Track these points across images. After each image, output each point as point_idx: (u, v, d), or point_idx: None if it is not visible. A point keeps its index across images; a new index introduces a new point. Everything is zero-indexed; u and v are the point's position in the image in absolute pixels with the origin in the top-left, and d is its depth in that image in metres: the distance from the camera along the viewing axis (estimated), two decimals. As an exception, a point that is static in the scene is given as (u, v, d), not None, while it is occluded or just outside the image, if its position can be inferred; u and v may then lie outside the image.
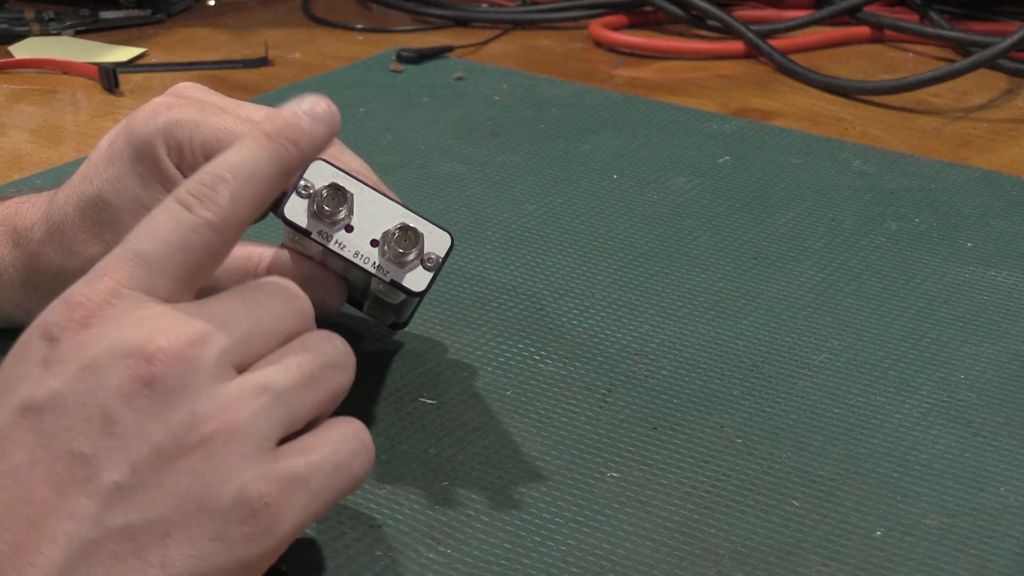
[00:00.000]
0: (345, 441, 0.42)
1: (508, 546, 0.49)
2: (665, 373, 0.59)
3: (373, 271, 0.51)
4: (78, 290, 0.40)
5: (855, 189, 0.78)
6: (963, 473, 0.53)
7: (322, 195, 0.51)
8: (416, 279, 0.51)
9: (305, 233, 0.51)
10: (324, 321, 0.63)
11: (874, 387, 0.59)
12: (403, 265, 0.51)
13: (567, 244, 0.71)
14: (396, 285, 0.51)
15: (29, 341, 0.40)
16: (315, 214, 0.51)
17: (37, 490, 0.38)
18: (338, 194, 0.51)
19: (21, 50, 0.99)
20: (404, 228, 0.51)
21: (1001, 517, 0.51)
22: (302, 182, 0.51)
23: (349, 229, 0.52)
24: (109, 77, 0.92)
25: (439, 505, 0.51)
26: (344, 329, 0.62)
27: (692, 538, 0.49)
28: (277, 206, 0.61)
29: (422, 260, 0.51)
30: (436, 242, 0.52)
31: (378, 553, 0.48)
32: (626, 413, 0.56)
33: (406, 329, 0.62)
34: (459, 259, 0.68)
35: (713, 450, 0.54)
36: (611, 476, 0.53)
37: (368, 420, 0.55)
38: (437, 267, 0.51)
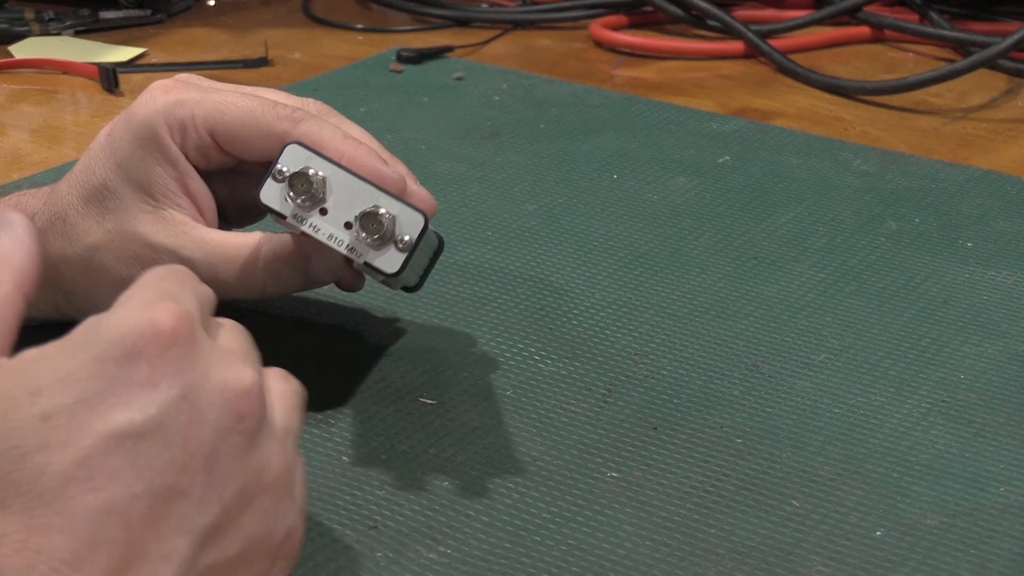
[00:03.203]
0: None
1: (508, 546, 0.49)
2: (665, 373, 0.59)
3: (347, 253, 0.52)
4: (158, 313, 0.37)
5: (855, 189, 0.78)
6: (963, 473, 0.53)
7: (295, 179, 0.52)
8: (389, 260, 0.52)
9: (280, 216, 0.52)
10: (338, 310, 0.64)
11: (874, 387, 0.59)
12: (376, 247, 0.52)
13: (567, 244, 0.71)
14: (369, 267, 0.52)
15: (107, 354, 0.37)
16: (289, 197, 0.52)
17: (134, 528, 0.36)
18: (311, 177, 0.52)
19: (21, 50, 0.99)
20: (376, 210, 0.51)
21: (1001, 517, 0.51)
22: (277, 166, 0.52)
23: (324, 212, 0.52)
24: (109, 77, 0.92)
25: (439, 505, 0.51)
26: (345, 328, 0.62)
27: (692, 538, 0.49)
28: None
29: (395, 242, 0.52)
30: (409, 222, 0.52)
31: (378, 554, 0.48)
32: (626, 413, 0.56)
33: (406, 329, 0.62)
34: (459, 259, 0.68)
35: (713, 450, 0.54)
36: (611, 476, 0.53)
37: (368, 420, 0.55)
38: (410, 248, 0.52)
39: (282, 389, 0.42)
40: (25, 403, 0.36)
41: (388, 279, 0.55)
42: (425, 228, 0.52)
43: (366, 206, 0.51)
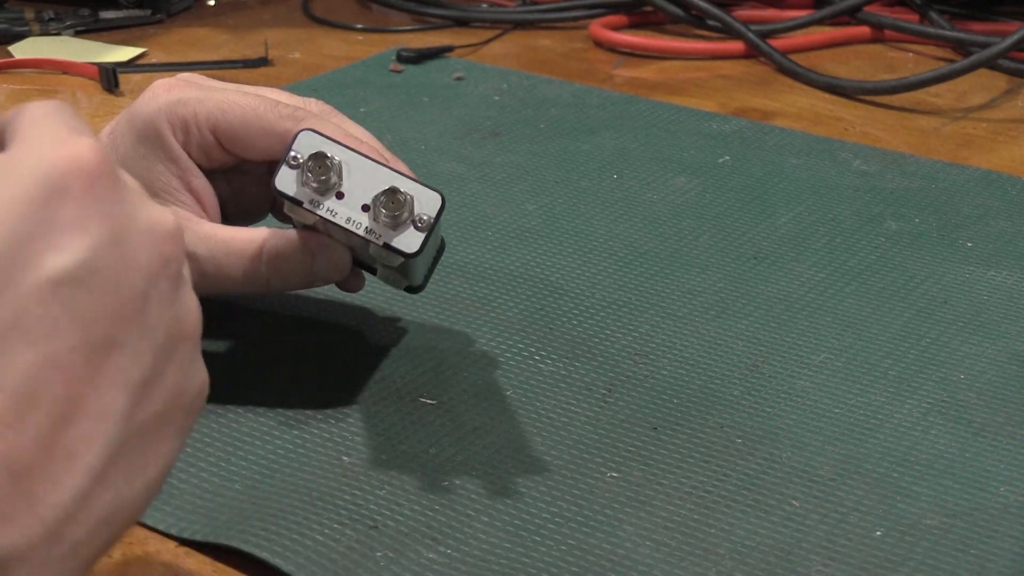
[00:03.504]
0: None
1: (508, 546, 0.49)
2: (665, 373, 0.59)
3: (365, 235, 0.52)
4: (78, 147, 0.35)
5: (855, 189, 0.78)
6: (963, 473, 0.53)
7: (310, 164, 0.52)
8: (408, 240, 0.52)
9: (296, 202, 0.52)
10: (338, 309, 0.64)
11: (874, 387, 0.59)
12: (395, 227, 0.52)
13: (567, 244, 0.71)
14: (389, 247, 0.52)
15: (29, 193, 0.34)
16: (305, 183, 0.52)
17: (73, 382, 0.33)
18: (326, 162, 0.52)
19: (21, 50, 0.99)
20: (394, 191, 0.52)
21: (1001, 517, 0.51)
22: (291, 153, 0.52)
23: (340, 196, 0.52)
24: (109, 77, 0.92)
25: (439, 505, 0.51)
26: (345, 327, 0.62)
27: (692, 538, 0.49)
28: (273, 206, 0.61)
29: (413, 221, 0.52)
30: (426, 202, 0.52)
31: (378, 554, 0.48)
32: (626, 413, 0.56)
33: (406, 329, 0.62)
34: (459, 259, 0.68)
35: (713, 450, 0.54)
36: (611, 476, 0.52)
37: (368, 420, 0.55)
38: (428, 227, 0.52)
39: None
40: None
41: (400, 268, 0.55)
42: (443, 207, 0.52)
43: (384, 186, 0.52)
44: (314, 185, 0.52)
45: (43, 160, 0.34)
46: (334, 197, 0.52)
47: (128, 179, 0.36)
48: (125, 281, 0.34)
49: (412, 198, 0.52)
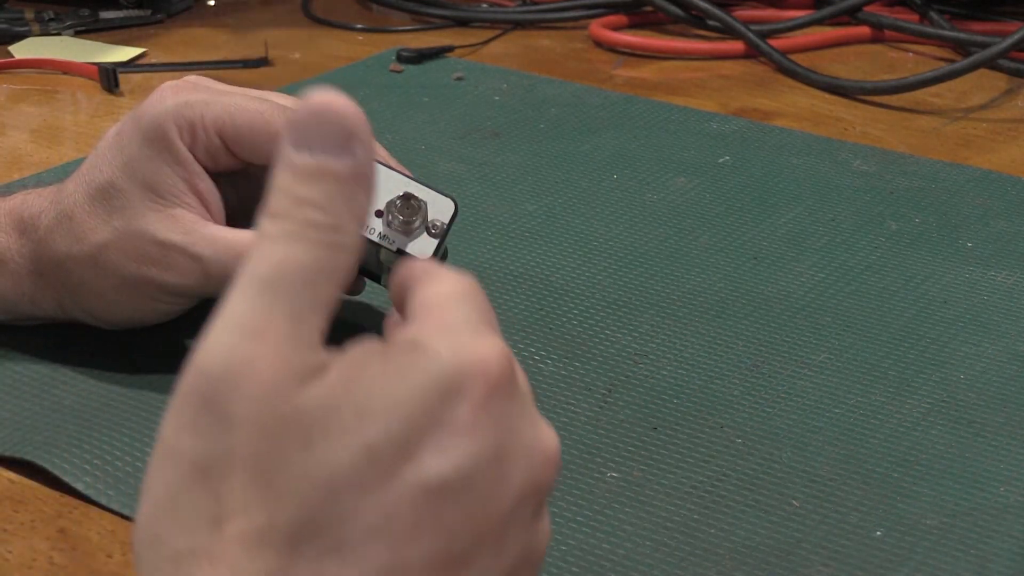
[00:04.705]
0: None
1: (508, 546, 0.49)
2: (665, 373, 0.59)
3: (379, 241, 0.52)
4: (489, 351, 0.33)
5: (855, 189, 0.78)
6: (963, 473, 0.53)
7: None
8: (422, 246, 0.52)
9: None
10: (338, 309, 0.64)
11: (874, 387, 0.59)
12: (408, 233, 0.52)
13: (567, 244, 0.71)
14: (403, 254, 0.52)
15: (434, 386, 0.32)
16: None
17: None
18: None
19: (21, 50, 0.99)
20: (407, 197, 0.52)
21: (1001, 517, 0.51)
22: None
23: None
24: (109, 77, 0.92)
25: (439, 505, 0.50)
26: (345, 327, 0.62)
27: (692, 538, 0.49)
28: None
29: (427, 227, 0.52)
30: (440, 208, 0.52)
31: (378, 553, 0.48)
32: (626, 413, 0.56)
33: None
34: (459, 259, 0.68)
35: (713, 450, 0.54)
36: (611, 476, 0.52)
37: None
38: (442, 233, 0.52)
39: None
40: (351, 426, 0.31)
41: None
42: (456, 213, 0.52)
43: (398, 192, 0.52)
44: None
45: (455, 356, 0.33)
46: None
47: (522, 384, 0.34)
48: (496, 499, 0.33)
49: (426, 204, 0.52)
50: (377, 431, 0.31)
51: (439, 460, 0.32)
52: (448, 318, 0.34)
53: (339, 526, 0.31)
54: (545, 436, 0.34)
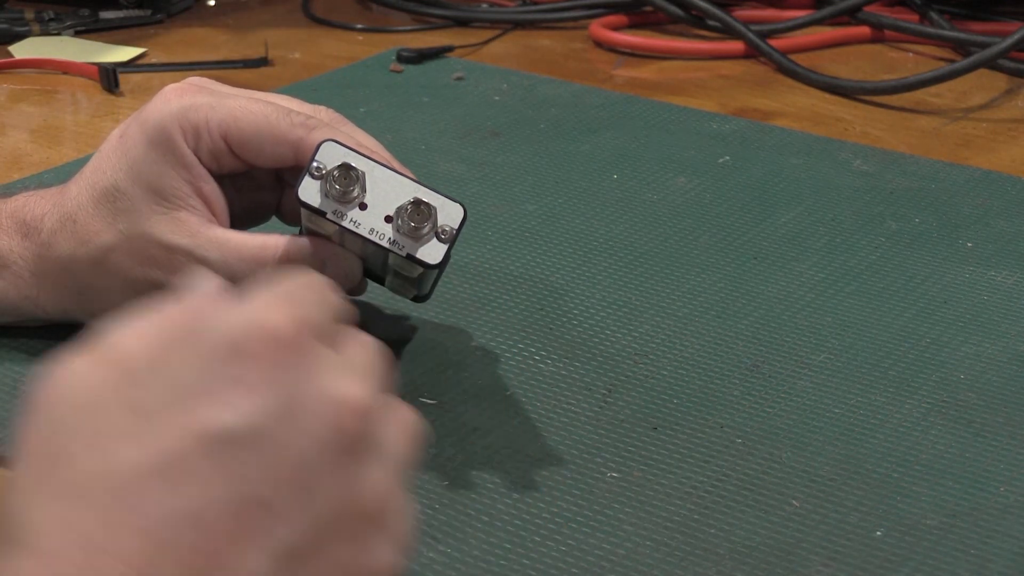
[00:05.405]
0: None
1: (508, 546, 0.49)
2: (665, 373, 0.59)
3: (388, 246, 0.52)
4: (273, 314, 0.35)
5: (855, 189, 0.78)
6: (963, 473, 0.53)
7: (334, 175, 0.52)
8: (431, 251, 0.52)
9: (320, 213, 0.52)
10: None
11: (874, 387, 0.59)
12: (418, 239, 0.52)
13: (567, 244, 0.71)
14: (412, 259, 0.52)
15: (213, 350, 0.34)
16: (328, 194, 0.52)
17: (213, 537, 0.33)
18: (350, 173, 0.52)
19: (21, 50, 0.99)
20: (417, 202, 0.52)
21: (1001, 517, 0.51)
22: (315, 164, 0.52)
23: (363, 207, 0.52)
24: (109, 77, 0.92)
25: (439, 505, 0.51)
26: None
27: (692, 538, 0.49)
28: (279, 209, 0.61)
29: (436, 233, 0.52)
30: (449, 214, 0.52)
31: (378, 553, 0.48)
32: (626, 413, 0.56)
33: (406, 329, 0.62)
34: (459, 259, 0.68)
35: (713, 450, 0.54)
36: (611, 476, 0.53)
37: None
38: (451, 238, 0.52)
39: (404, 419, 0.38)
40: (122, 386, 0.34)
41: (415, 279, 0.55)
42: (465, 219, 0.52)
43: (407, 198, 0.52)
44: (338, 196, 0.52)
45: (235, 321, 0.35)
46: (357, 208, 0.52)
47: (322, 352, 0.36)
48: (292, 447, 0.34)
49: (436, 209, 0.52)
50: (144, 391, 0.34)
51: (220, 412, 0.33)
52: (257, 293, 0.36)
53: (112, 473, 0.33)
54: (347, 386, 0.35)
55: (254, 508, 0.33)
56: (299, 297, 0.36)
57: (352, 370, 0.36)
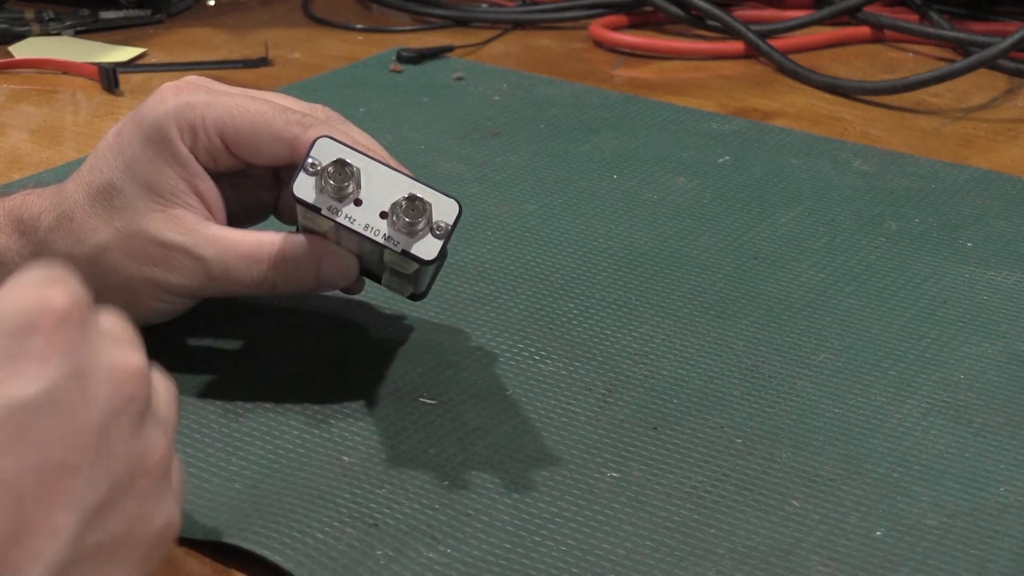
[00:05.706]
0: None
1: (508, 546, 0.49)
2: (665, 373, 0.59)
3: (383, 242, 0.52)
4: (53, 291, 0.37)
5: (855, 189, 0.78)
6: (963, 473, 0.53)
7: (329, 171, 0.52)
8: (426, 247, 0.52)
9: (315, 209, 0.52)
10: (339, 309, 0.64)
11: (874, 387, 0.59)
12: (413, 235, 0.52)
13: (567, 244, 0.71)
14: (407, 255, 0.52)
15: (4, 324, 0.37)
16: (323, 190, 0.52)
17: (24, 501, 0.35)
18: (344, 169, 0.52)
19: (21, 50, 0.99)
20: (412, 198, 0.52)
21: (1001, 517, 0.51)
22: (309, 160, 0.52)
23: (358, 203, 0.52)
24: (109, 77, 0.92)
25: (439, 504, 0.51)
26: (345, 328, 0.62)
27: (692, 538, 0.49)
28: (276, 208, 0.61)
29: (431, 229, 0.52)
30: (444, 210, 0.52)
31: (378, 552, 0.48)
32: (626, 413, 0.56)
33: (406, 329, 0.62)
34: (459, 259, 0.68)
35: (713, 450, 0.54)
36: (611, 476, 0.53)
37: (368, 420, 0.55)
38: (446, 235, 0.52)
39: (163, 382, 0.42)
40: None
41: (410, 276, 0.55)
42: (460, 215, 0.52)
43: (402, 194, 0.52)
44: (333, 192, 0.52)
45: (18, 299, 0.37)
46: (352, 204, 0.52)
47: (104, 323, 0.39)
48: (84, 413, 0.36)
49: (431, 205, 0.52)
50: None
51: (16, 383, 0.35)
52: (18, 280, 0.38)
53: None
54: (126, 355, 0.38)
55: (58, 471, 0.36)
56: (63, 276, 0.38)
57: (120, 339, 0.39)
